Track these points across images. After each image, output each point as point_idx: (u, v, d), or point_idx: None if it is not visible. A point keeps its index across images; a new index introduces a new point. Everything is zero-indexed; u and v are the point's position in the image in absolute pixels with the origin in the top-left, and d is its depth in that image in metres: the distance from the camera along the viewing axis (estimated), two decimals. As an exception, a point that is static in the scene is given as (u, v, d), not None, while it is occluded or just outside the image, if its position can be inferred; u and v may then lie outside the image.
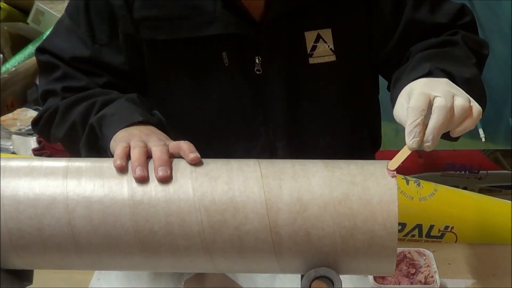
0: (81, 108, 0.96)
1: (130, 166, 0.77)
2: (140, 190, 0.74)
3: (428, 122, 0.75)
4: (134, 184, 0.74)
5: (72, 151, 0.99)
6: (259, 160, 0.78)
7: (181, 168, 0.76)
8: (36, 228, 0.74)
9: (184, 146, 0.78)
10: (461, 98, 0.77)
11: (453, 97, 0.77)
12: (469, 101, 0.78)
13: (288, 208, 0.73)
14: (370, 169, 0.76)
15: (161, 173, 0.74)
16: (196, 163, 0.76)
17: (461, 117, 0.77)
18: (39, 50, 1.06)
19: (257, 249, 0.75)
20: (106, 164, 0.78)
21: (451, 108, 0.76)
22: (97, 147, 0.91)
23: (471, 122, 0.78)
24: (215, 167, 0.76)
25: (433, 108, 0.76)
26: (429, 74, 0.85)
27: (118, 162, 0.75)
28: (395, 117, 0.84)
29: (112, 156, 0.83)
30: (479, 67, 0.99)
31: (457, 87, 0.80)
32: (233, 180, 0.75)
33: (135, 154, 0.76)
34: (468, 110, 0.77)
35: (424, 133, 0.75)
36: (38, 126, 1.05)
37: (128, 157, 0.76)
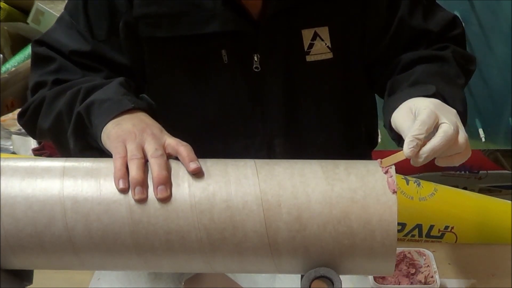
0: (66, 97, 0.94)
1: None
2: (138, 209, 0.74)
3: (426, 141, 0.77)
4: (132, 201, 0.74)
5: (59, 142, 0.98)
6: (257, 164, 0.77)
7: (179, 181, 0.75)
8: (37, 244, 0.74)
9: (184, 152, 0.78)
10: (463, 135, 0.80)
11: (457, 130, 0.79)
12: (467, 140, 0.80)
13: (287, 227, 0.73)
14: (371, 182, 0.74)
15: (160, 193, 0.74)
16: (195, 173, 0.76)
17: (456, 151, 0.79)
18: (36, 42, 1.04)
19: (256, 262, 0.75)
20: (104, 169, 0.77)
21: (453, 139, 0.78)
22: (85, 136, 0.90)
23: (459, 159, 0.80)
24: (213, 180, 0.75)
25: (439, 131, 0.78)
26: (433, 96, 0.87)
27: (121, 185, 0.74)
28: (393, 122, 0.86)
29: (104, 148, 0.83)
30: (466, 83, 1.04)
31: (461, 123, 0.83)
32: (231, 197, 0.74)
33: (133, 169, 0.75)
34: (463, 148, 0.80)
35: (420, 149, 0.77)
36: (24, 118, 1.03)
37: (127, 169, 0.76)
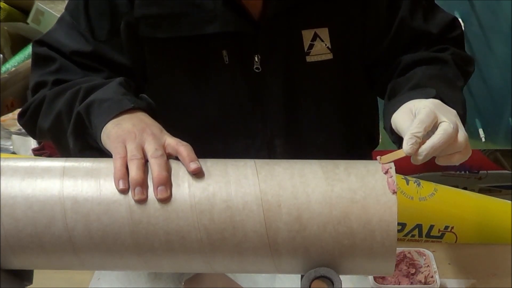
0: (66, 97, 0.94)
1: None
2: (138, 209, 0.74)
3: (426, 139, 0.78)
4: (132, 202, 0.74)
5: (59, 141, 0.98)
6: (257, 164, 0.77)
7: (179, 181, 0.75)
8: (37, 244, 0.74)
9: (184, 152, 0.77)
10: (462, 134, 0.81)
11: (457, 129, 0.80)
12: (467, 140, 0.81)
13: (287, 227, 0.73)
14: (371, 183, 0.74)
15: (160, 194, 0.74)
16: (196, 173, 0.76)
17: (456, 149, 0.80)
18: (37, 42, 1.04)
19: (256, 262, 0.75)
20: (104, 169, 0.76)
21: (453, 137, 0.79)
22: (85, 136, 0.89)
23: (459, 158, 0.81)
24: (213, 181, 0.75)
25: (438, 129, 0.79)
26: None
27: (121, 186, 0.74)
28: (393, 123, 0.87)
29: (104, 148, 0.83)
30: (465, 84, 1.05)
31: (461, 123, 0.83)
32: (231, 197, 0.74)
33: (133, 169, 0.75)
34: (463, 147, 0.81)
35: (419, 146, 0.78)
36: (25, 118, 1.02)
37: (127, 170, 0.76)
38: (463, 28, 1.74)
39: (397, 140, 0.90)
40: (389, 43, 1.06)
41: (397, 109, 0.87)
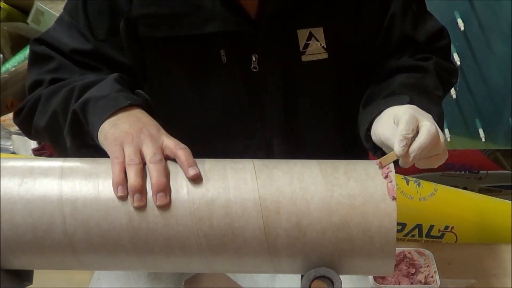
0: (61, 95, 0.93)
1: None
2: (137, 216, 0.73)
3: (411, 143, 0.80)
4: (131, 207, 0.74)
5: (55, 140, 0.97)
6: (256, 167, 0.77)
7: (178, 186, 0.75)
8: (37, 249, 0.74)
9: (182, 156, 0.77)
10: (442, 136, 0.83)
11: (437, 130, 0.82)
12: (446, 142, 0.83)
13: (286, 233, 0.73)
14: (370, 188, 0.74)
15: (159, 201, 0.73)
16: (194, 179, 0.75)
17: (438, 150, 0.82)
18: (36, 41, 1.04)
19: (256, 266, 0.76)
20: (102, 172, 0.76)
21: (437, 137, 0.81)
22: (82, 134, 0.89)
23: (437, 161, 0.83)
24: (212, 186, 0.75)
25: (422, 130, 0.80)
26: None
27: (120, 193, 0.74)
28: (375, 133, 0.88)
29: (101, 147, 0.83)
30: (444, 95, 1.07)
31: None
32: (230, 203, 0.73)
33: (132, 176, 0.75)
34: (443, 149, 0.82)
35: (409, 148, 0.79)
36: (20, 117, 1.02)
37: (125, 174, 0.75)
38: (463, 28, 1.75)
39: (373, 148, 0.92)
40: (380, 43, 1.06)
41: (371, 118, 0.89)
